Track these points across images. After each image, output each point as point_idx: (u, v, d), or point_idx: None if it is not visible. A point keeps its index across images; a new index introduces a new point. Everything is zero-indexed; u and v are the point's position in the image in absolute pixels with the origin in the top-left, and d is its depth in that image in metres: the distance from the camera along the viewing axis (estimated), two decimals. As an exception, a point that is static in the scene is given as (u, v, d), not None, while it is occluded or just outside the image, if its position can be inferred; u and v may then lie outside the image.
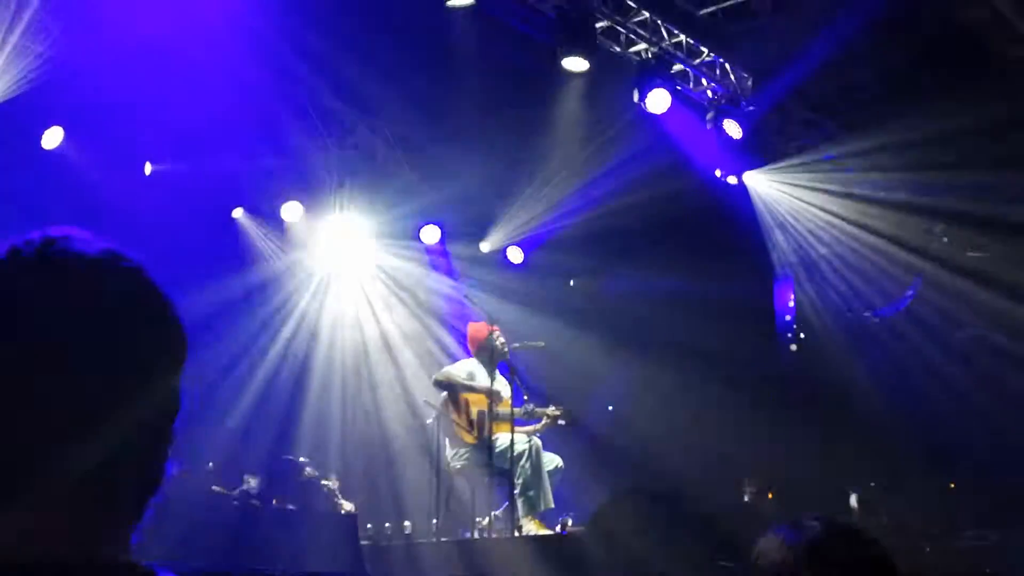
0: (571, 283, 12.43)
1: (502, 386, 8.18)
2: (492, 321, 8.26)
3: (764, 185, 11.30)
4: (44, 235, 1.05)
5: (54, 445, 0.96)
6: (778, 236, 11.44)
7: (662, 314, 11.51)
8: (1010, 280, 9.95)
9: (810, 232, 11.41)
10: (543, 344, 8.56)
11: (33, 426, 0.96)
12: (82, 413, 0.98)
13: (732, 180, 11.02)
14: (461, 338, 11.40)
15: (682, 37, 9.27)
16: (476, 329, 8.41)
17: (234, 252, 10.32)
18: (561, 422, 8.31)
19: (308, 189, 10.93)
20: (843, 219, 11.05)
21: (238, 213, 10.91)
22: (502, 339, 8.25)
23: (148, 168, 9.80)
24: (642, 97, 9.24)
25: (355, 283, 11.89)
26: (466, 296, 9.47)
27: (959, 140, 8.90)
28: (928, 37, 8.70)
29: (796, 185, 11.13)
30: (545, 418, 8.20)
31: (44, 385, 0.97)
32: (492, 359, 8.12)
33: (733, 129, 9.90)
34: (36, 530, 0.95)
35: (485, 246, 11.98)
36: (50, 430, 0.96)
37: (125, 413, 1.00)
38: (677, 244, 11.17)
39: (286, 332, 10.97)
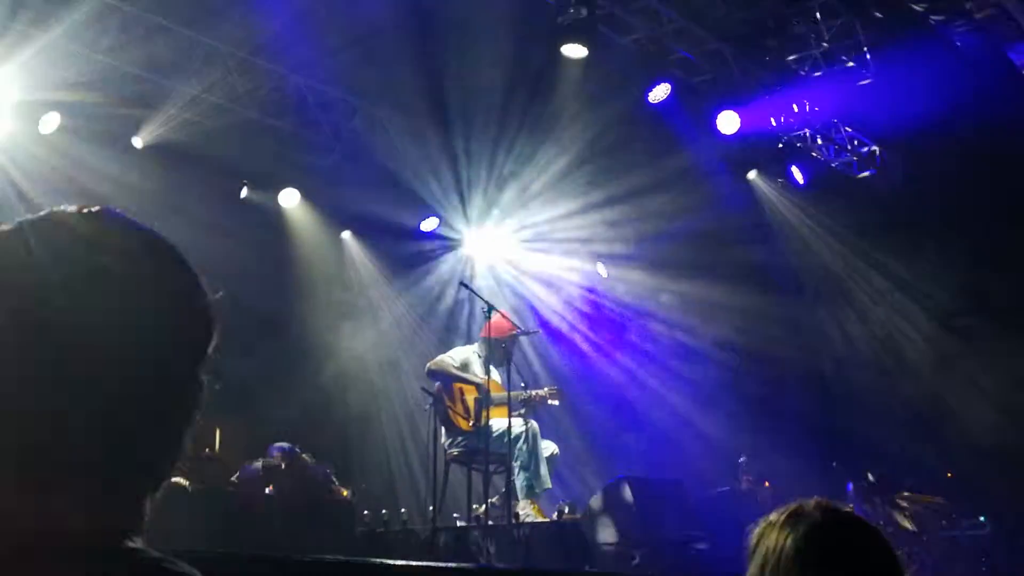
0: (566, 263, 12.43)
1: (495, 377, 8.19)
2: (487, 311, 8.24)
3: (766, 188, 11.25)
4: (78, 210, 1.04)
5: (68, 427, 0.95)
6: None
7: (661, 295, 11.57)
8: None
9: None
10: (539, 331, 8.58)
11: (49, 406, 0.94)
12: (96, 393, 0.96)
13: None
14: (460, 326, 11.43)
15: (682, 24, 9.22)
16: (500, 323, 8.34)
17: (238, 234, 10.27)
18: (553, 401, 8.35)
19: (305, 176, 10.91)
20: None
21: (243, 192, 10.84)
22: (514, 338, 8.27)
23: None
24: (644, 86, 9.22)
25: (354, 271, 11.89)
26: (462, 283, 9.48)
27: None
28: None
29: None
30: (537, 396, 8.26)
31: (63, 362, 0.95)
32: (492, 353, 8.12)
33: (729, 124, 9.80)
34: (46, 513, 0.94)
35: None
36: (65, 411, 0.95)
37: (140, 395, 0.98)
38: (681, 233, 11.19)
39: (280, 319, 10.95)
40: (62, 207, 1.04)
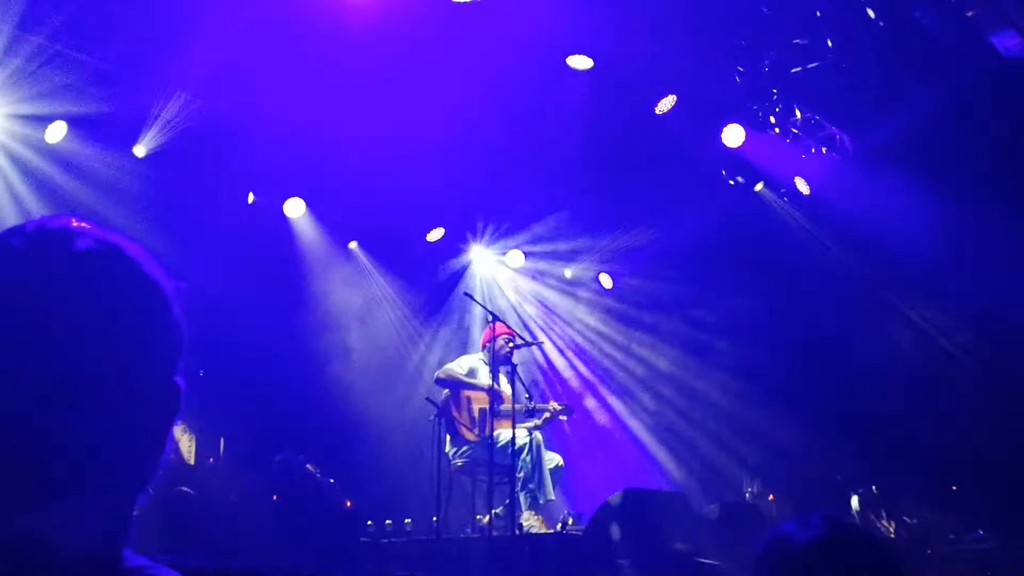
0: (567, 273, 12.42)
1: (503, 384, 8.22)
2: (490, 320, 8.27)
3: (774, 200, 11.21)
4: (39, 223, 1.04)
5: (43, 438, 0.94)
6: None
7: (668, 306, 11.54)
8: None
9: None
10: (542, 342, 8.61)
11: (22, 418, 0.94)
12: (69, 402, 0.95)
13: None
14: (466, 336, 11.43)
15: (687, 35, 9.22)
16: (499, 331, 8.40)
17: (249, 241, 10.28)
18: (561, 417, 8.42)
19: (312, 185, 10.92)
20: None
21: (251, 198, 10.87)
22: (511, 343, 8.31)
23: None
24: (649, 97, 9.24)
25: (358, 280, 11.89)
26: (466, 294, 9.52)
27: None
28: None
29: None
30: (546, 413, 8.28)
31: (31, 376, 0.94)
32: (495, 358, 8.19)
33: (734, 137, 9.81)
34: (40, 522, 0.93)
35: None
36: (38, 422, 0.94)
37: (113, 404, 0.98)
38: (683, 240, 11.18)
39: (286, 328, 10.95)
40: (21, 224, 1.04)
